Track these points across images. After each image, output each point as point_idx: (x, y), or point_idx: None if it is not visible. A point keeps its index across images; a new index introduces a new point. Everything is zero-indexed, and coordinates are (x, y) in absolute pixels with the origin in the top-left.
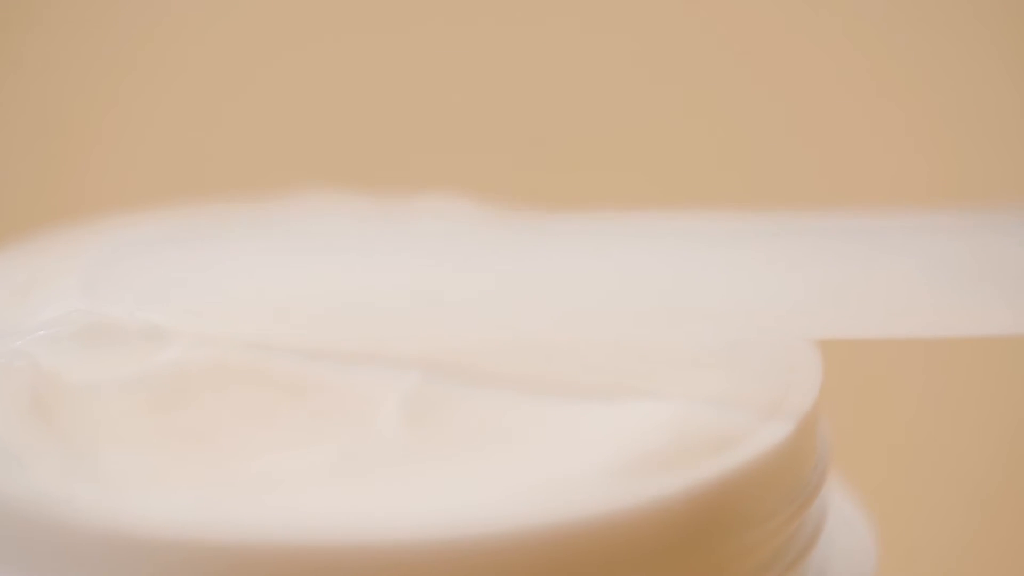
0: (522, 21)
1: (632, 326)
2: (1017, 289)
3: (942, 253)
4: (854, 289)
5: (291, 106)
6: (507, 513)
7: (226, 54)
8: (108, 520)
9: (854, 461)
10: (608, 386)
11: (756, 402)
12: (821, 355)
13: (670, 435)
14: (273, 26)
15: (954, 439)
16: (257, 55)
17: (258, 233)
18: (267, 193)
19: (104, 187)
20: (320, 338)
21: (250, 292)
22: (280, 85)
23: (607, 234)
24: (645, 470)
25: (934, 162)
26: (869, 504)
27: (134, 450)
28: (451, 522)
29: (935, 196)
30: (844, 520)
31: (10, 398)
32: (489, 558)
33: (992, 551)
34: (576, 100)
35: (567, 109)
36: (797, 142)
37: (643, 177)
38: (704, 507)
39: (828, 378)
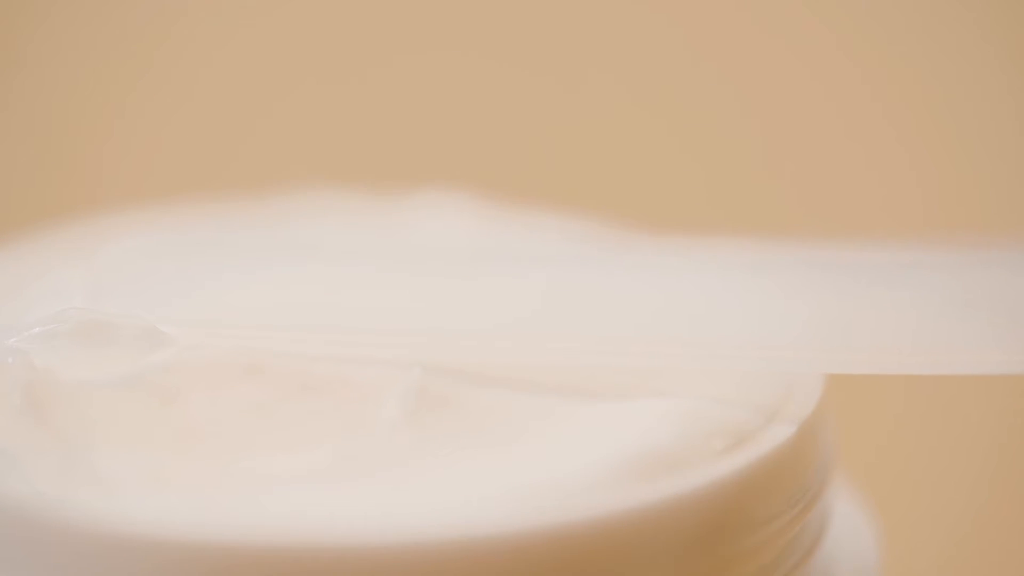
0: (523, 18)
1: (636, 355)
2: (1013, 324)
3: (939, 288)
4: (853, 326)
5: (291, 103)
6: (507, 515)
7: (226, 52)
8: (104, 520)
9: (858, 462)
10: (611, 387)
11: (760, 404)
12: None
13: (673, 436)
14: (273, 24)
15: (959, 441)
16: (257, 53)
17: (258, 240)
18: (267, 191)
19: (102, 185)
20: (320, 339)
21: (250, 299)
22: (280, 82)
23: (617, 260)
24: (648, 471)
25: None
26: (873, 506)
27: (131, 449)
28: (452, 522)
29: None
30: (848, 522)
31: (4, 396)
32: (490, 559)
33: (995, 552)
34: (578, 99)
35: (569, 106)
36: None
37: (642, 175)
38: (707, 509)
39: (832, 380)
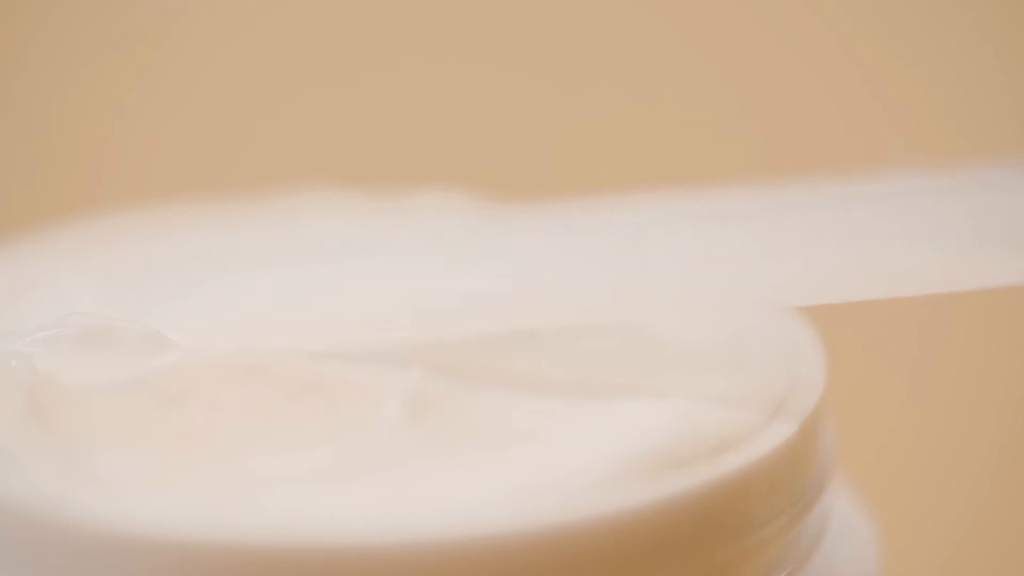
0: (519, 18)
1: (632, 311)
2: (1009, 243)
3: (934, 212)
4: (853, 253)
5: (291, 103)
6: (506, 515)
7: (226, 52)
8: (106, 521)
9: (858, 461)
10: (611, 386)
11: (760, 403)
12: (826, 354)
13: (674, 436)
14: (273, 24)
15: (959, 441)
16: (257, 53)
17: (257, 240)
18: (267, 191)
19: (103, 185)
20: (320, 339)
21: (250, 300)
22: (280, 83)
23: (599, 220)
24: (649, 471)
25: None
26: (873, 506)
27: (132, 451)
28: (452, 522)
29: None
30: (848, 522)
31: (7, 399)
32: (490, 559)
33: (996, 551)
34: (572, 94)
35: (564, 104)
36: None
37: (640, 172)
38: (708, 509)
39: (833, 378)
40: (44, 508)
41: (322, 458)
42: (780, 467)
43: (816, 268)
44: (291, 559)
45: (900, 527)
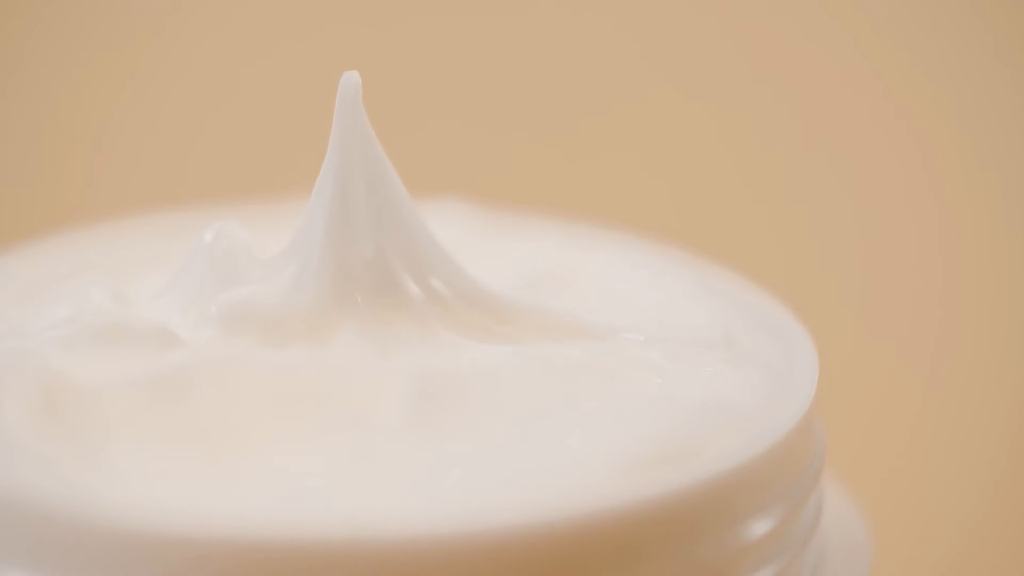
0: (523, 23)
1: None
2: None
3: None
4: None
5: (291, 108)
6: (506, 512)
7: (226, 56)
8: (116, 518)
9: (849, 458)
10: (609, 385)
11: (753, 400)
12: (818, 352)
13: (668, 433)
14: (273, 28)
15: (951, 437)
16: (257, 57)
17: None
18: (266, 194)
19: (109, 188)
20: (322, 338)
21: (251, 296)
22: (280, 87)
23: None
24: (644, 467)
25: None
26: (864, 500)
27: (142, 449)
28: (452, 521)
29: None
30: (840, 517)
31: (21, 397)
32: (491, 554)
33: (988, 549)
34: (578, 102)
35: (568, 112)
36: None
37: (641, 178)
38: (701, 504)
39: (824, 376)
40: (58, 504)
41: (329, 455)
42: (772, 464)
43: None
44: (293, 557)
45: (892, 523)
